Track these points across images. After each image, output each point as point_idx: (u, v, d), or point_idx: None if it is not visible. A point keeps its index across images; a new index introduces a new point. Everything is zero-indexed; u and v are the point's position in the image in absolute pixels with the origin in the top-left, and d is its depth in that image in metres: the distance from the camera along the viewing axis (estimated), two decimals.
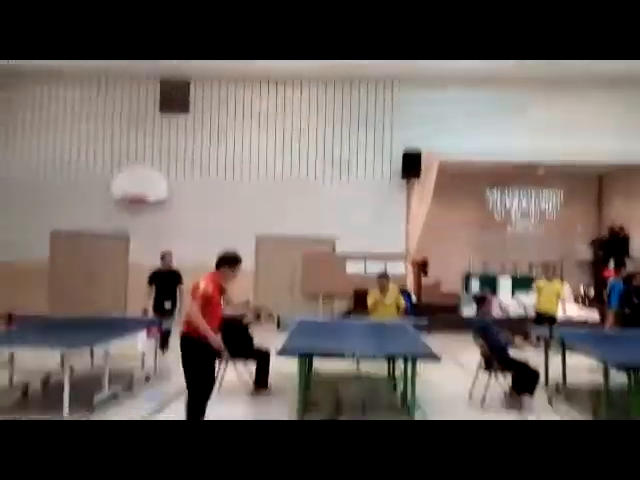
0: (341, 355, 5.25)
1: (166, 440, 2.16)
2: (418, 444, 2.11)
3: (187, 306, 4.49)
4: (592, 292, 13.50)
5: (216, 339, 4.32)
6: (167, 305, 8.07)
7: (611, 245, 13.94)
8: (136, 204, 12.35)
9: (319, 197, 12.35)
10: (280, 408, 5.72)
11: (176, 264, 8.55)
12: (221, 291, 4.56)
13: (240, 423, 3.02)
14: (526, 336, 6.16)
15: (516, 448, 2.07)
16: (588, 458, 1.99)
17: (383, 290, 7.86)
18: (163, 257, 8.37)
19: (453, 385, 6.81)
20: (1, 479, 1.89)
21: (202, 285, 4.34)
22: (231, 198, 12.42)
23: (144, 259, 10.51)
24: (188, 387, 4.41)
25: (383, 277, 7.95)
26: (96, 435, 2.19)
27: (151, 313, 8.03)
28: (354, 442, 2.15)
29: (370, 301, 7.91)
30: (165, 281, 8.19)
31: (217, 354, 4.48)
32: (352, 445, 2.11)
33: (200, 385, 4.35)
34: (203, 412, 4.32)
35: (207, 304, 4.33)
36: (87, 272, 12.61)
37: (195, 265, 11.70)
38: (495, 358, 5.92)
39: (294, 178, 12.51)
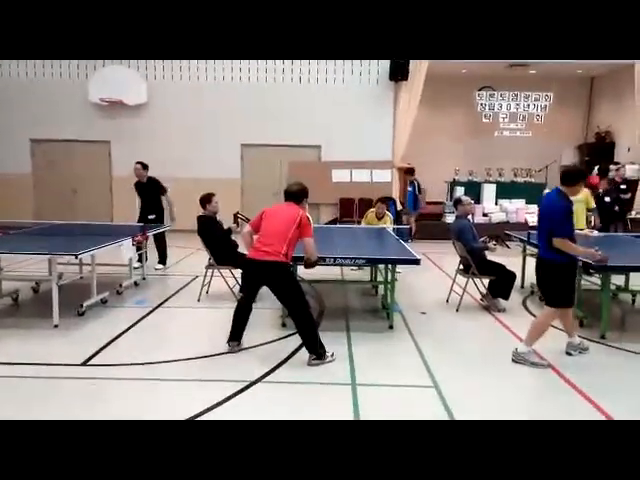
0: (323, 261, 5.34)
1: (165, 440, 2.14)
2: (419, 445, 2.10)
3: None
4: None
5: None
6: (151, 217, 8.02)
7: (597, 150, 13.87)
8: (114, 107, 11.94)
9: (305, 103, 11.97)
10: (264, 312, 5.94)
11: (160, 172, 8.48)
12: None
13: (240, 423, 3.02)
14: (497, 240, 6.24)
15: (518, 449, 2.06)
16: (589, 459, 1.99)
17: (379, 215, 8.12)
18: (135, 169, 8.14)
19: (434, 290, 7.00)
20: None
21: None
22: (216, 105, 12.00)
23: (127, 166, 10.34)
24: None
25: (383, 203, 8.14)
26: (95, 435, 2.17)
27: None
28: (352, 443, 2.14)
29: (365, 221, 8.26)
30: (144, 192, 8.13)
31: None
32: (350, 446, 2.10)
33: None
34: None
35: None
36: (70, 180, 12.45)
37: (179, 173, 11.66)
38: (472, 261, 6.06)
39: (279, 84, 12.06)
